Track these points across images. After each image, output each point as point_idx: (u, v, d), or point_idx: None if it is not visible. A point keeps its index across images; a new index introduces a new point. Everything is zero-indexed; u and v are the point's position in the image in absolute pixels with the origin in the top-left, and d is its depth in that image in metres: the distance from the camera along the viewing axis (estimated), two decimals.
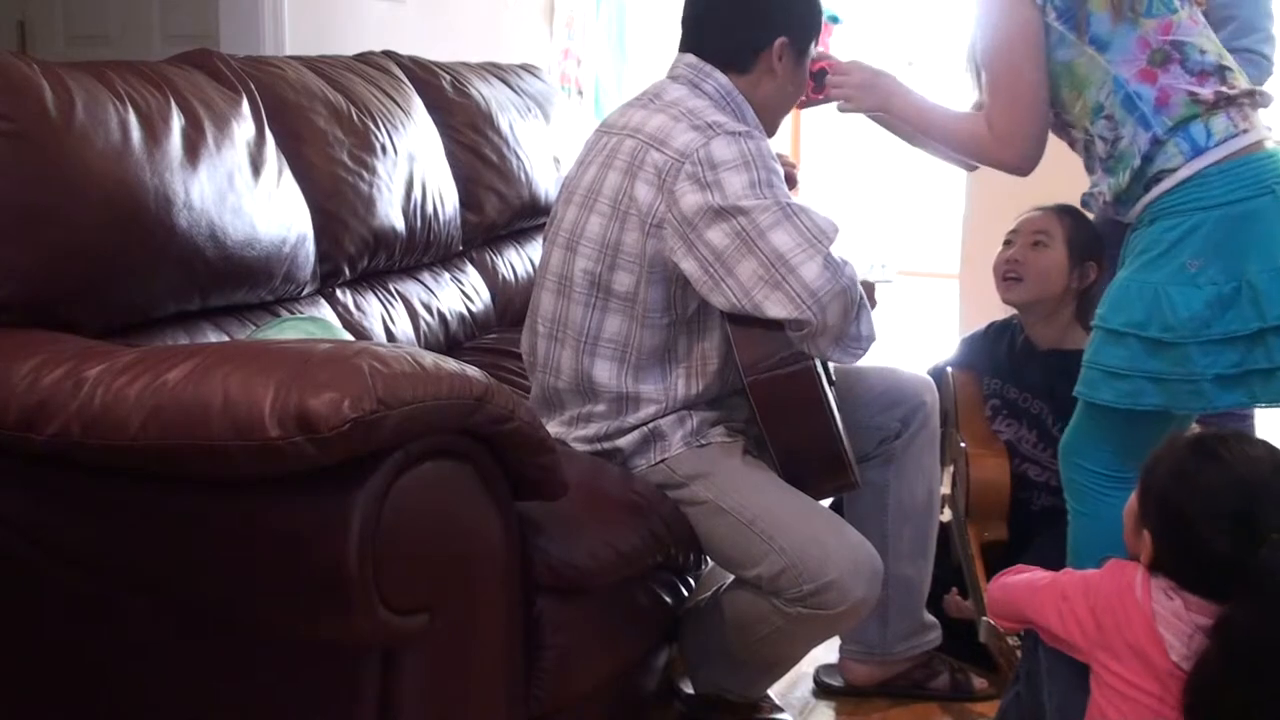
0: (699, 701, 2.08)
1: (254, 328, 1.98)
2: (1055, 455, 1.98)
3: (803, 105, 2.06)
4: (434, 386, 1.33)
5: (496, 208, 2.87)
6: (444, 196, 2.65)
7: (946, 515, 2.37)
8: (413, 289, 2.56)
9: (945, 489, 2.32)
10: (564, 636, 1.65)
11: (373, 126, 2.43)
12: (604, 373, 1.89)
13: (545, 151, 3.05)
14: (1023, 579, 1.65)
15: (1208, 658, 1.41)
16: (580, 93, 4.64)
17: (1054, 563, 1.91)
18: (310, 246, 2.18)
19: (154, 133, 1.82)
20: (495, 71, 3.09)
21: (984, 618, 2.02)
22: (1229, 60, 1.80)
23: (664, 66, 2.00)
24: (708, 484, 1.86)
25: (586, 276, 1.88)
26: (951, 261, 4.56)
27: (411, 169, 2.52)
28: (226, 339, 1.93)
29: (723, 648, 1.93)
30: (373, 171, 2.39)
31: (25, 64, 1.72)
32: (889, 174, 6.56)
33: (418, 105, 2.67)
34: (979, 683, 2.23)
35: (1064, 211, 2.36)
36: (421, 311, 2.54)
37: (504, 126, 2.91)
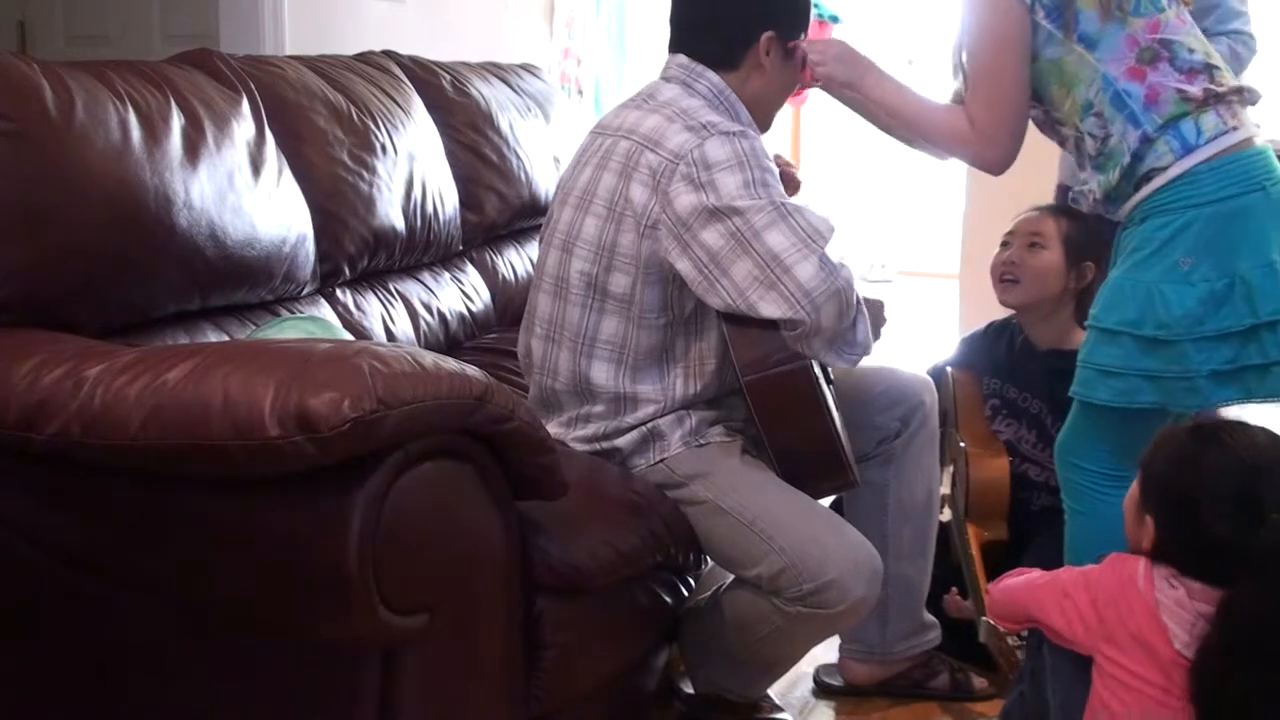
0: (699, 701, 2.08)
1: (254, 328, 1.98)
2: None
3: (796, 93, 2.06)
4: (434, 386, 1.33)
5: (496, 207, 2.87)
6: (444, 196, 2.65)
7: (946, 515, 2.37)
8: (413, 289, 2.56)
9: (945, 489, 2.32)
10: (564, 636, 1.65)
11: (373, 126, 2.43)
12: (601, 374, 1.89)
13: (545, 151, 3.05)
14: (1022, 579, 1.66)
15: (1211, 642, 1.42)
16: (580, 93, 4.64)
17: (1054, 562, 1.91)
18: (310, 246, 2.18)
19: (154, 132, 1.82)
20: (495, 71, 3.09)
21: (984, 618, 2.02)
22: (1216, 59, 1.81)
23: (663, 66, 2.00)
24: (707, 484, 1.86)
25: (583, 278, 1.88)
26: (951, 261, 4.56)
27: (411, 169, 2.52)
28: (226, 339, 1.93)
29: (723, 647, 1.93)
30: (373, 171, 2.39)
31: (25, 64, 1.72)
32: (889, 174, 6.55)
33: (418, 105, 2.67)
34: (979, 682, 2.23)
35: (1060, 212, 2.36)
36: (421, 311, 2.54)
37: (504, 126, 2.91)
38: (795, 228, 1.76)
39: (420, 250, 2.58)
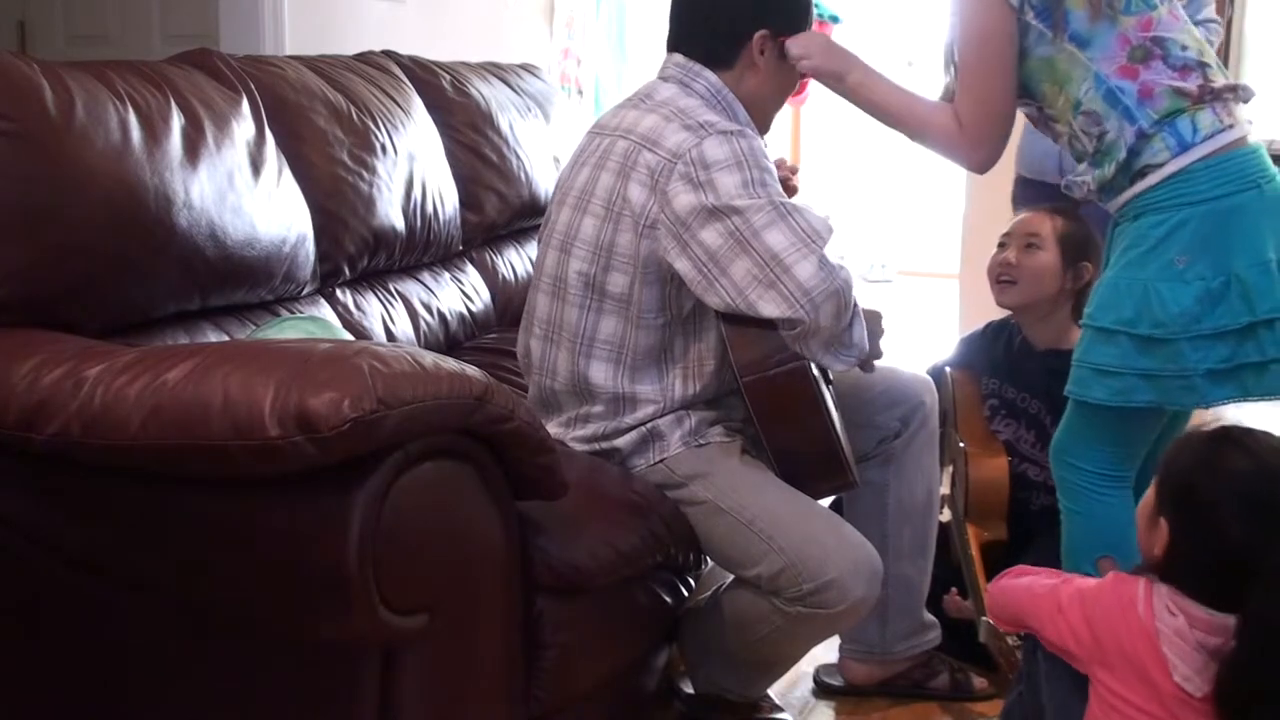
0: (699, 701, 2.08)
1: (254, 328, 1.98)
2: None
3: (796, 92, 2.05)
4: (434, 386, 1.33)
5: (496, 207, 2.87)
6: (444, 196, 2.65)
7: (946, 515, 2.37)
8: (413, 289, 2.56)
9: (944, 489, 2.32)
10: (564, 636, 1.65)
11: (373, 126, 2.44)
12: (600, 374, 1.89)
13: (545, 151, 3.05)
14: (1022, 583, 1.64)
15: (1235, 659, 1.38)
16: (580, 93, 4.64)
17: (1054, 562, 1.91)
18: (310, 246, 2.18)
19: (154, 133, 1.82)
20: (495, 71, 3.09)
21: (984, 618, 2.02)
22: (1209, 56, 1.80)
23: None
24: (707, 484, 1.86)
25: (581, 278, 1.88)
26: (951, 261, 4.56)
27: (411, 169, 2.52)
28: (226, 339, 1.93)
29: (723, 647, 1.93)
30: (373, 171, 2.39)
31: (25, 64, 1.72)
32: (889, 174, 6.56)
33: (418, 105, 2.67)
34: (979, 682, 2.23)
35: (1056, 212, 2.36)
36: (421, 311, 2.54)
37: (504, 126, 2.92)
38: (794, 227, 1.76)
39: (420, 250, 2.58)
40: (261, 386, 1.28)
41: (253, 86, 2.16)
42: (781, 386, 1.82)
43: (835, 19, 5.45)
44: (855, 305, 1.82)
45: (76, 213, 1.68)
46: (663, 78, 1.95)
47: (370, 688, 1.41)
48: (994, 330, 2.55)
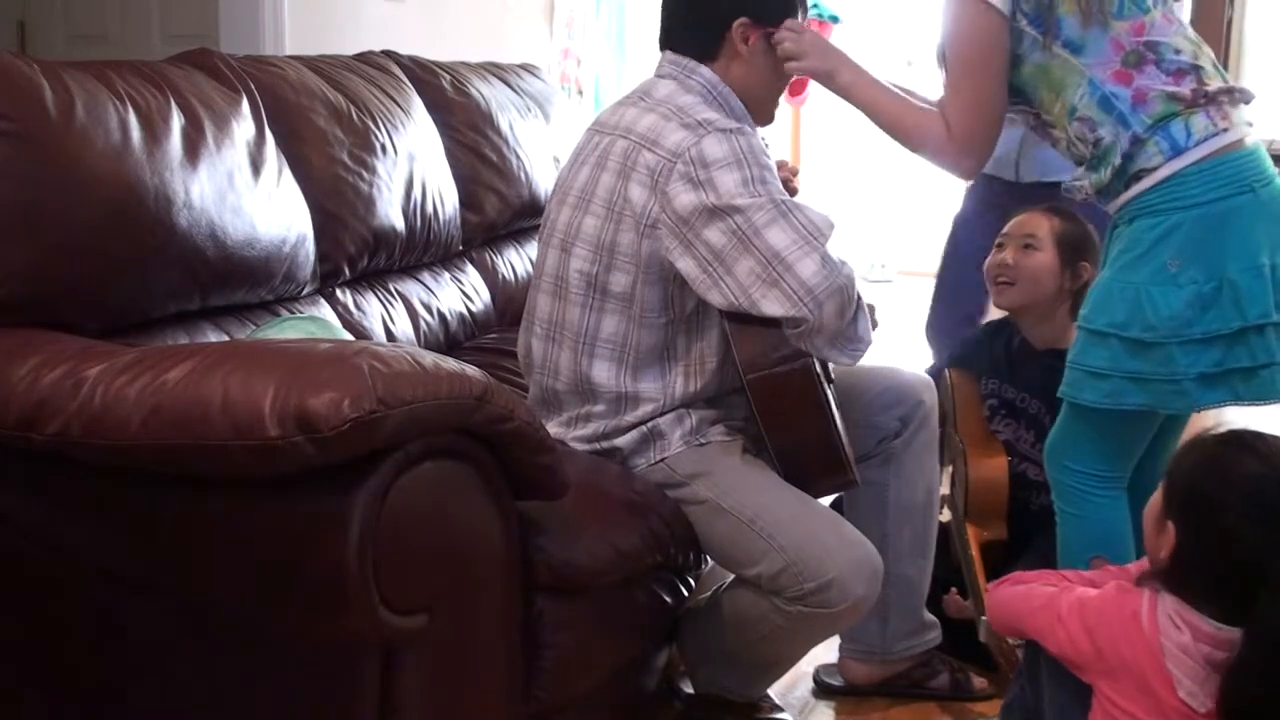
0: (699, 701, 2.08)
1: (254, 328, 1.98)
2: None
3: (795, 92, 2.04)
4: (434, 386, 1.33)
5: (496, 207, 2.87)
6: (444, 196, 2.65)
7: (946, 515, 2.37)
8: (413, 289, 2.56)
9: (944, 489, 2.32)
10: (564, 636, 1.65)
11: (373, 126, 2.44)
12: (603, 373, 1.89)
13: (545, 151, 3.05)
14: (1020, 591, 1.63)
15: (1242, 669, 1.37)
16: (580, 93, 4.64)
17: (1053, 562, 1.92)
18: (310, 246, 2.18)
19: (154, 133, 1.82)
20: (495, 71, 3.09)
21: (984, 617, 2.02)
22: (1204, 59, 1.80)
23: None
24: (707, 483, 1.86)
25: (582, 278, 1.88)
26: None
27: (411, 169, 2.52)
28: (226, 339, 1.93)
29: (723, 647, 1.93)
30: (373, 171, 2.39)
31: (25, 64, 1.72)
32: (889, 174, 6.55)
33: (418, 105, 2.67)
34: (979, 682, 2.23)
35: (1053, 212, 2.35)
36: (421, 311, 2.54)
37: (504, 126, 2.92)
38: (796, 225, 1.77)
39: (420, 250, 2.58)
40: (261, 386, 1.28)
41: (253, 86, 2.16)
42: (784, 384, 1.82)
43: (835, 19, 5.45)
44: (859, 299, 1.83)
45: (76, 213, 1.68)
46: (660, 75, 1.95)
47: (370, 688, 1.41)
48: (993, 330, 2.55)
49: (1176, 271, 1.72)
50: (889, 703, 2.20)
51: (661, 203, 1.80)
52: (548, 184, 2.98)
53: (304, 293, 2.20)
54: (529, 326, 2.00)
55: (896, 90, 1.96)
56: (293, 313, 2.12)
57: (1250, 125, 1.79)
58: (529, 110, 3.06)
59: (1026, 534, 2.27)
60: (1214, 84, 1.77)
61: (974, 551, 2.23)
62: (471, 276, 2.78)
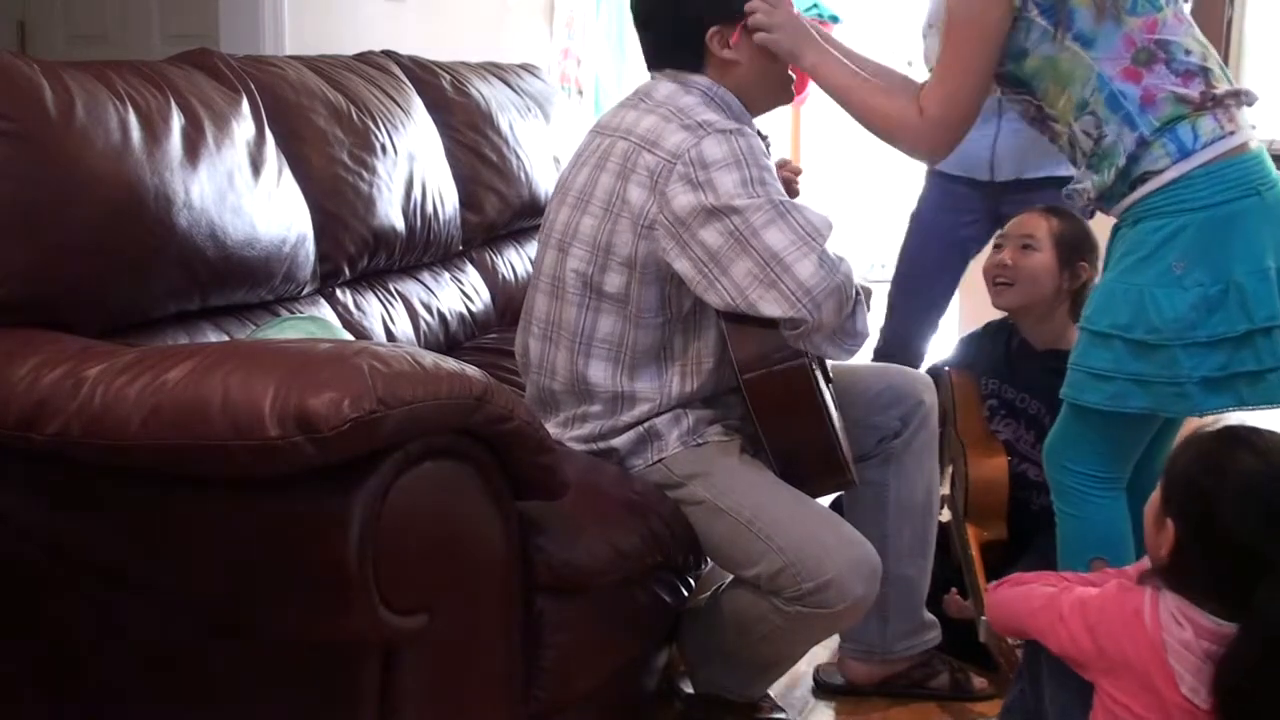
0: (699, 701, 2.08)
1: (254, 328, 1.98)
2: None
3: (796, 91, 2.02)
4: (434, 386, 1.33)
5: (496, 207, 2.87)
6: (444, 196, 2.65)
7: (946, 515, 2.37)
8: (413, 289, 2.56)
9: (944, 489, 2.32)
10: (564, 636, 1.65)
11: (373, 126, 2.44)
12: (599, 373, 1.89)
13: (545, 151, 3.05)
14: (1020, 592, 1.63)
15: (1239, 662, 1.38)
16: (580, 93, 4.64)
17: (1053, 563, 1.92)
18: (310, 246, 2.18)
19: (154, 133, 1.82)
20: (495, 71, 3.09)
21: (984, 617, 2.02)
22: (1213, 60, 1.79)
23: None
24: (705, 483, 1.86)
25: (578, 278, 1.88)
26: None
27: (411, 169, 2.52)
28: (226, 339, 1.93)
29: (722, 647, 1.93)
30: (373, 171, 2.39)
31: (25, 64, 1.72)
32: (888, 174, 6.55)
33: (418, 105, 2.67)
34: (979, 682, 2.23)
35: (1051, 211, 2.35)
36: (421, 311, 2.54)
37: (504, 126, 2.92)
38: (794, 225, 1.77)
39: (420, 250, 2.58)
40: (261, 386, 1.29)
41: (253, 86, 2.16)
42: (782, 385, 1.82)
43: (835, 19, 5.45)
44: (857, 295, 1.82)
45: (76, 213, 1.68)
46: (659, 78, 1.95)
47: (370, 688, 1.41)
48: (993, 330, 2.55)
49: (1182, 274, 1.72)
50: (889, 703, 2.20)
51: (660, 204, 1.80)
52: (548, 184, 2.98)
53: (304, 293, 2.20)
54: (526, 326, 2.01)
55: (864, 73, 1.94)
56: (293, 313, 2.12)
57: (1254, 128, 1.79)
58: (529, 110, 3.06)
59: (1026, 534, 2.27)
60: (1222, 87, 1.76)
61: (974, 551, 2.23)
62: (471, 276, 2.78)
